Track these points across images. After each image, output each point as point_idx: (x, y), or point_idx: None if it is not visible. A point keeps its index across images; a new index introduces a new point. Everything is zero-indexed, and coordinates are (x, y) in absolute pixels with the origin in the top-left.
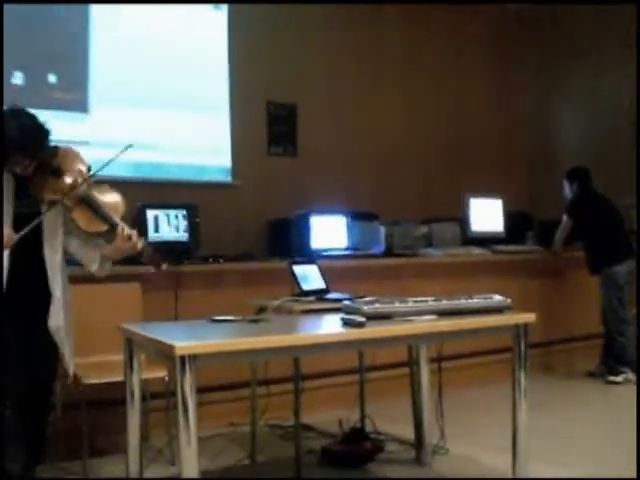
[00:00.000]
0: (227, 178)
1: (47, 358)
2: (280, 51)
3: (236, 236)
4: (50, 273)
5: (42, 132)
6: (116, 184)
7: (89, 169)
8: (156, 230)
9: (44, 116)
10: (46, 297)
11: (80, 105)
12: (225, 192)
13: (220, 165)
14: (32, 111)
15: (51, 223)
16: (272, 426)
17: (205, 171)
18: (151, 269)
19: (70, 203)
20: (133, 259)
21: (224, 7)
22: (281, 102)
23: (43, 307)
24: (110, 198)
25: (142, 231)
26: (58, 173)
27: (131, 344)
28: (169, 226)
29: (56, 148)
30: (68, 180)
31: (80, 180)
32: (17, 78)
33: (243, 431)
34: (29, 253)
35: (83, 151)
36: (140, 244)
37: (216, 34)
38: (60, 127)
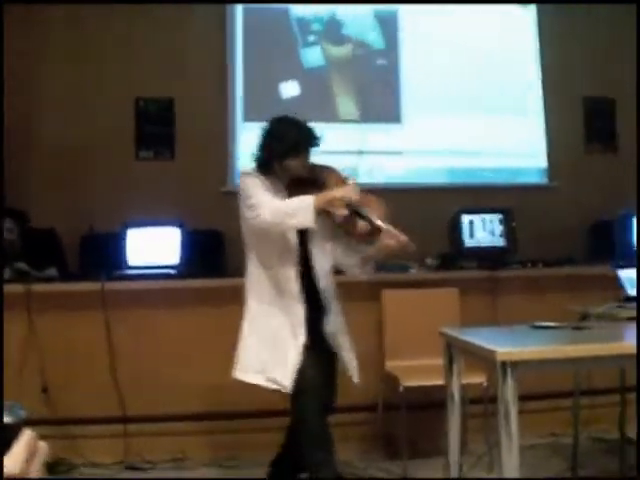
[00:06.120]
0: (543, 180)
1: (331, 377)
2: (592, 44)
3: (554, 239)
4: (321, 282)
5: (317, 132)
6: (431, 191)
7: (345, 181)
8: (471, 235)
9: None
10: (318, 306)
11: (394, 116)
12: (542, 194)
13: (536, 167)
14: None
15: (318, 232)
16: (595, 439)
17: (520, 173)
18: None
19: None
20: (449, 264)
21: (532, 7)
22: (598, 96)
23: (317, 320)
24: (372, 201)
25: (455, 237)
26: (320, 185)
27: (451, 348)
28: (484, 231)
29: (314, 164)
30: (333, 189)
31: (345, 192)
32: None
33: (564, 442)
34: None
35: (397, 161)
36: (404, 240)
37: (524, 34)
38: (375, 138)
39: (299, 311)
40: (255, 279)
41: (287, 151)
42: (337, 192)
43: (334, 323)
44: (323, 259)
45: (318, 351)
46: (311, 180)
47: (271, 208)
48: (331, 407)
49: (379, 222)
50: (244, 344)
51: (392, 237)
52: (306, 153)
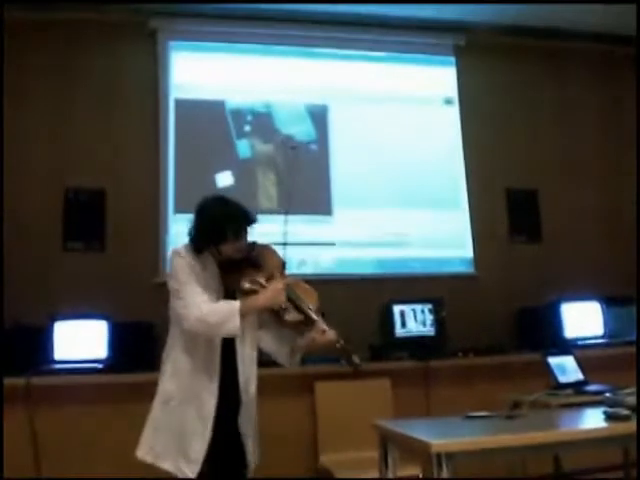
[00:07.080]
0: (470, 269)
1: (238, 464)
2: (514, 137)
3: (483, 328)
4: (241, 367)
5: (251, 216)
6: (361, 281)
7: (284, 265)
8: (403, 325)
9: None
10: (236, 395)
11: (325, 208)
12: (470, 284)
13: (463, 257)
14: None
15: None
16: None
17: (448, 263)
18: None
19: None
20: (381, 355)
21: (455, 102)
22: (520, 188)
23: (234, 406)
24: (306, 291)
25: (387, 327)
26: (257, 265)
27: (385, 440)
28: (415, 321)
29: (254, 243)
30: (268, 271)
31: (278, 273)
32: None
33: None
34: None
35: (328, 251)
36: (333, 336)
37: (448, 128)
38: (306, 230)
39: (210, 404)
40: (174, 357)
41: (219, 239)
42: (263, 299)
43: (247, 413)
44: (248, 347)
45: (225, 444)
46: (248, 259)
47: (198, 316)
48: None
49: (312, 314)
50: (153, 424)
51: (320, 333)
52: (241, 237)
